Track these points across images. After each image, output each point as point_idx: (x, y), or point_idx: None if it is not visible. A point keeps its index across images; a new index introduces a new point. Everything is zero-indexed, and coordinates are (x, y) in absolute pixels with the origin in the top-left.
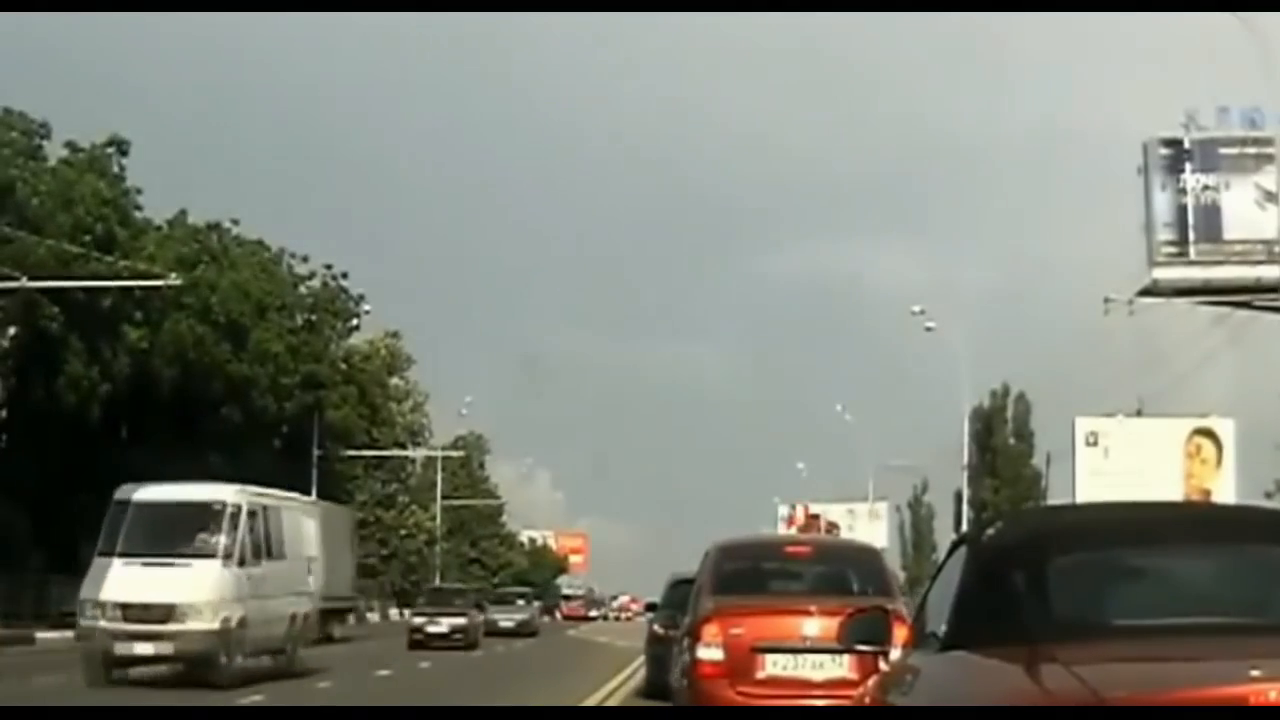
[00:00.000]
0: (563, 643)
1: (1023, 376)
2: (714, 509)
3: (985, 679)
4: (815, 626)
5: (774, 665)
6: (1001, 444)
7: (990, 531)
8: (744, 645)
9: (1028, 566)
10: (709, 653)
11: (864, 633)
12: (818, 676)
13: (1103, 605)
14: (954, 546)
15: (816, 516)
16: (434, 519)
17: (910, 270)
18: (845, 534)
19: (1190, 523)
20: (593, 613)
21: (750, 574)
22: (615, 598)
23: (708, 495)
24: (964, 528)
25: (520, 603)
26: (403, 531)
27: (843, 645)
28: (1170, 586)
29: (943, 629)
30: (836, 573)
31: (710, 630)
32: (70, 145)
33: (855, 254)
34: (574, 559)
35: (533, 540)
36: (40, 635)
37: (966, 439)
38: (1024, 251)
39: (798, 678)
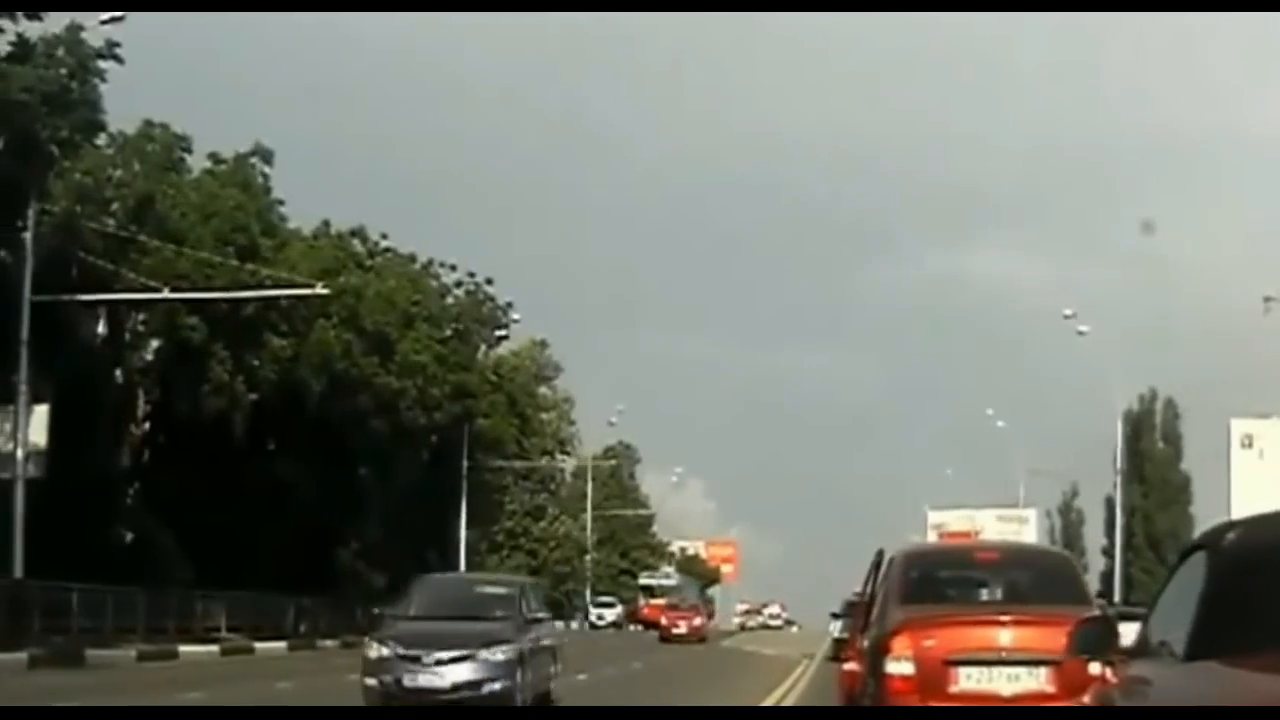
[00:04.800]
0: None
1: (1169, 380)
2: (864, 516)
3: (1242, 688)
4: (1011, 637)
5: (968, 679)
6: (1150, 448)
7: (1230, 537)
8: (936, 658)
9: (1277, 572)
10: (899, 666)
11: (1091, 642)
12: (1015, 690)
13: None
14: (1186, 553)
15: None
16: (584, 529)
17: (1049, 275)
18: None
19: None
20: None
21: (939, 583)
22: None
23: (858, 503)
24: (1117, 533)
25: None
26: (552, 542)
27: (1070, 655)
28: None
29: (1179, 638)
30: (1029, 580)
31: (900, 643)
32: (213, 156)
33: (996, 260)
34: (725, 568)
35: (683, 550)
36: (184, 649)
37: (1120, 444)
38: (1160, 254)
39: (993, 692)
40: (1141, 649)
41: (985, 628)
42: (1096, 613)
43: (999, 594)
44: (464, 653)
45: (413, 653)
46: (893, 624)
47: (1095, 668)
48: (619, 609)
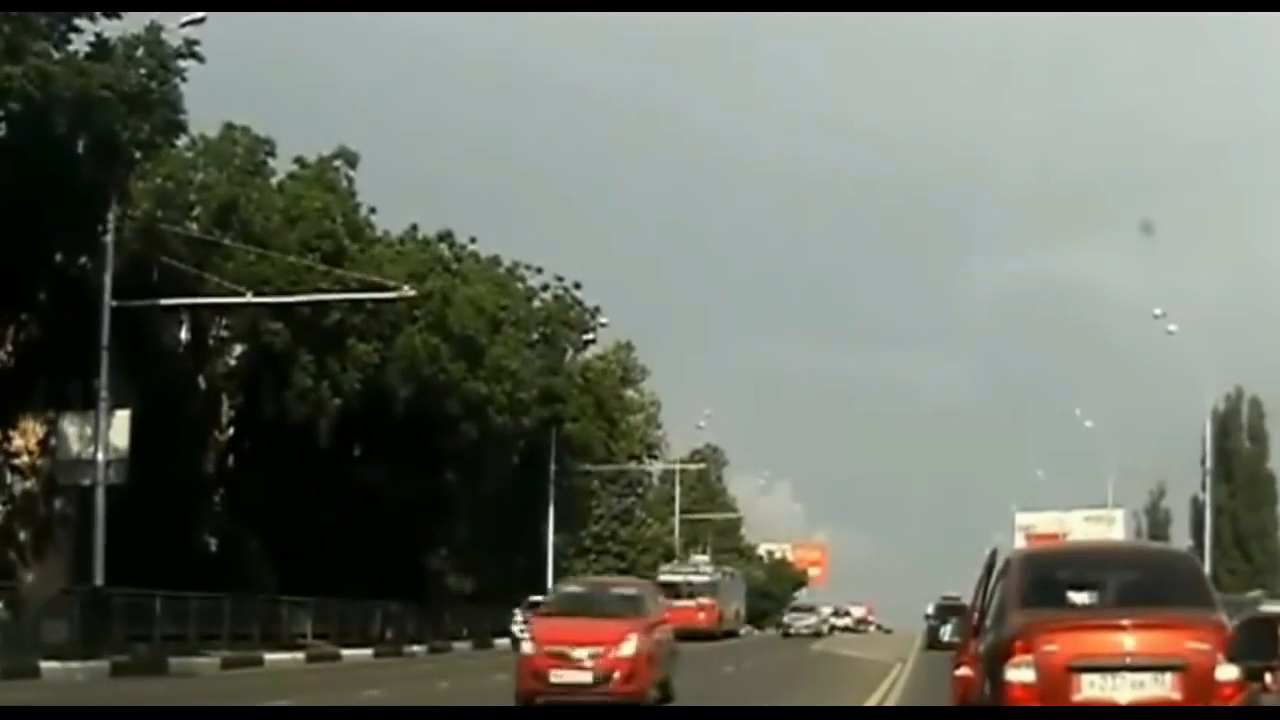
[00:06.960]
0: None
1: (1255, 378)
2: (952, 519)
3: None
4: (1136, 641)
5: (1091, 686)
6: (1237, 447)
7: None
8: (1059, 664)
9: None
10: (1020, 674)
11: (1255, 646)
12: (1138, 697)
13: None
14: None
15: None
16: (671, 533)
17: (1136, 274)
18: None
19: None
20: None
21: (1058, 585)
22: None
23: (946, 505)
24: (1206, 533)
25: None
26: (640, 546)
27: (1230, 659)
28: None
29: None
30: (1152, 581)
31: (1021, 648)
32: (299, 160)
33: (1079, 259)
34: (812, 571)
35: (771, 553)
36: (269, 657)
37: (1209, 444)
38: (1251, 254)
39: (1117, 699)
40: None
41: (1109, 632)
42: (1228, 617)
43: (1121, 596)
44: None
45: None
46: (1012, 629)
47: (1223, 673)
48: None
